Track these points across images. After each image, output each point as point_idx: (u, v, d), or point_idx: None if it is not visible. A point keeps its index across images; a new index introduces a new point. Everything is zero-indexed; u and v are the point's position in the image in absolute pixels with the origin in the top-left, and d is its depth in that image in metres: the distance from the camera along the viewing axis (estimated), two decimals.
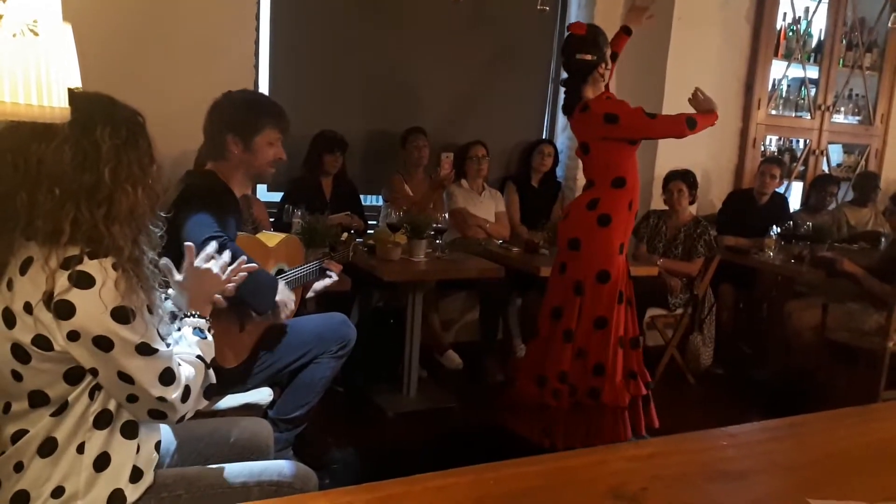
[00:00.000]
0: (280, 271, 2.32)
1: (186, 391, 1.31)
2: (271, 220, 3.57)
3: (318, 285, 2.41)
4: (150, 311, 1.27)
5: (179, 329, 1.47)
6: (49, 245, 1.18)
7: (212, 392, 1.42)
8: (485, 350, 4.05)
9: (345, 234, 2.95)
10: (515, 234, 4.29)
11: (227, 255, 1.60)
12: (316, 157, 3.80)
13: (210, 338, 1.49)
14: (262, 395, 2.28)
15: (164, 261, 1.52)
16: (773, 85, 4.86)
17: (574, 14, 4.61)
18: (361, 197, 4.12)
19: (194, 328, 1.47)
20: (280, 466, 1.55)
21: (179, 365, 1.33)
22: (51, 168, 1.16)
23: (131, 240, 1.23)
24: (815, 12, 4.89)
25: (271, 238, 2.38)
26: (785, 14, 4.82)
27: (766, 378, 4.03)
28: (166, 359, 1.28)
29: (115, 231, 1.20)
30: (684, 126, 2.78)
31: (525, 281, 3.88)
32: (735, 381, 4.14)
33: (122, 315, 1.18)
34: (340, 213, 3.72)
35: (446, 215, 3.82)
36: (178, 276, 1.54)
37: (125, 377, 1.23)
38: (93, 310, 1.16)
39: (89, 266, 1.17)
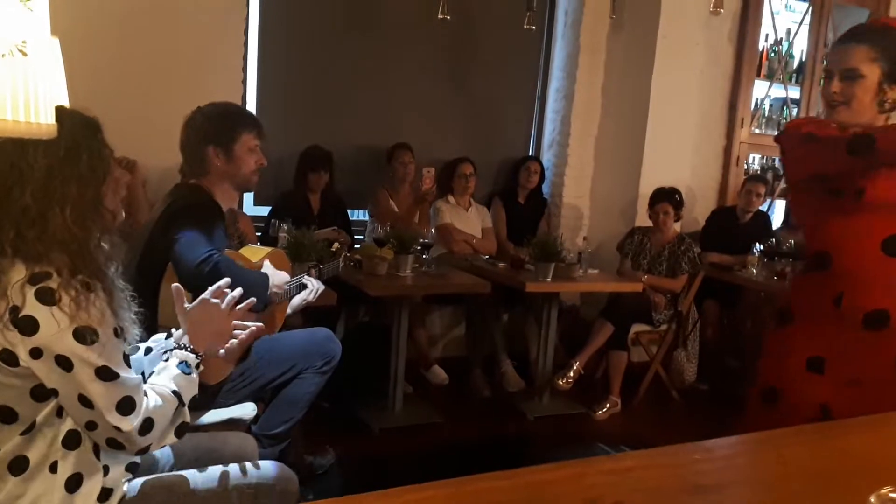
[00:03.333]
0: None
1: (147, 423, 1.25)
2: (258, 234, 3.58)
3: (296, 300, 2.39)
4: (118, 335, 1.24)
5: (167, 360, 1.41)
6: (8, 260, 1.16)
7: (185, 430, 1.35)
8: (471, 365, 4.06)
9: (335, 245, 2.95)
10: (502, 249, 4.31)
11: (238, 291, 1.53)
12: (302, 173, 3.81)
13: (195, 375, 1.41)
14: (246, 410, 2.27)
15: (175, 286, 1.49)
16: (756, 104, 4.93)
17: (560, 33, 4.67)
18: (349, 212, 4.14)
19: (181, 361, 1.40)
20: (262, 468, 1.54)
21: (146, 395, 1.28)
22: None
23: (73, 261, 1.18)
24: (796, 34, 4.98)
25: (256, 253, 2.37)
26: (767, 35, 4.90)
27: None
28: (129, 386, 1.23)
29: (54, 254, 1.17)
30: None
31: (511, 296, 3.90)
32: (719, 396, 4.17)
33: (83, 336, 1.16)
34: (327, 228, 3.73)
35: (433, 230, 3.84)
36: (188, 305, 1.49)
37: (85, 401, 1.20)
38: (56, 328, 1.14)
39: (58, 284, 1.15)
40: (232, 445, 1.72)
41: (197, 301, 1.49)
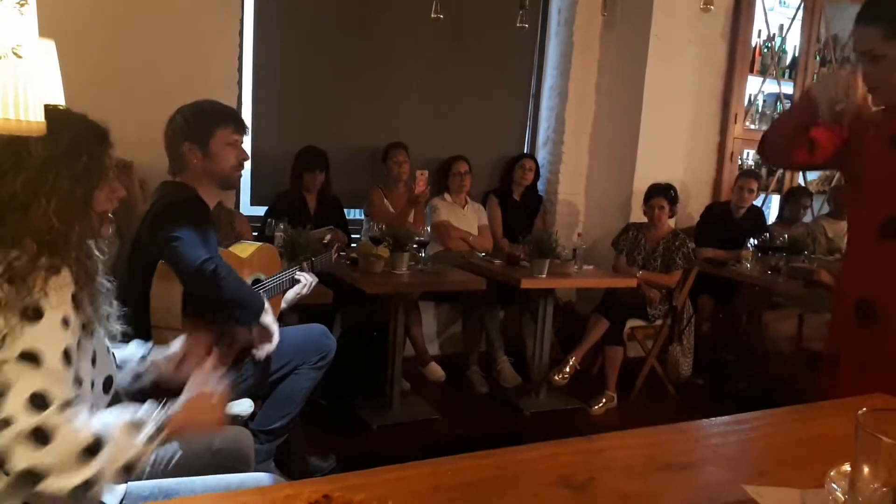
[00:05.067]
0: (257, 281, 2.35)
1: (96, 443, 1.12)
2: (254, 234, 3.61)
3: (290, 294, 2.41)
4: (67, 325, 1.18)
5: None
6: None
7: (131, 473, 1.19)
8: (468, 362, 4.09)
9: (327, 236, 2.95)
10: (498, 247, 4.35)
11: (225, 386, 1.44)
12: (297, 173, 3.85)
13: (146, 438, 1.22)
14: (243, 406, 2.29)
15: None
16: (749, 100, 4.97)
17: (553, 31, 4.71)
18: (346, 211, 4.17)
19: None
20: (258, 479, 1.56)
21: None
22: None
23: (39, 248, 1.17)
24: (788, 29, 5.02)
25: (245, 248, 2.37)
26: (759, 31, 4.94)
27: (746, 388, 4.09)
28: (50, 379, 1.11)
29: (27, 241, 1.18)
30: None
31: (507, 293, 3.93)
32: (714, 390, 4.20)
33: (24, 312, 1.12)
34: (323, 228, 3.76)
35: (429, 228, 3.87)
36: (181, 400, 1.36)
37: None
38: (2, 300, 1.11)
39: (19, 262, 1.14)
40: (229, 441, 1.74)
41: (193, 383, 1.41)
